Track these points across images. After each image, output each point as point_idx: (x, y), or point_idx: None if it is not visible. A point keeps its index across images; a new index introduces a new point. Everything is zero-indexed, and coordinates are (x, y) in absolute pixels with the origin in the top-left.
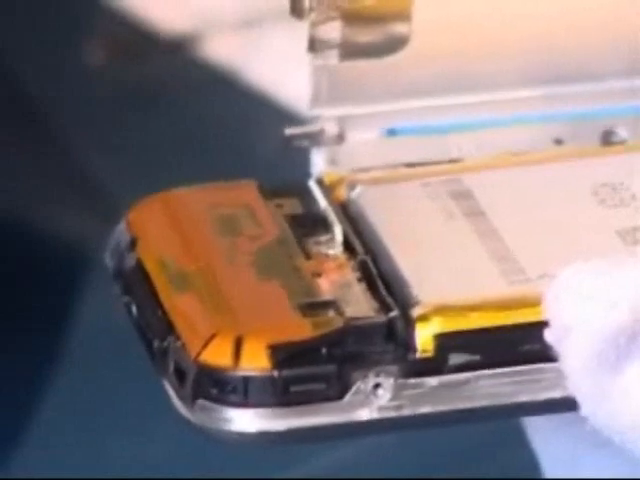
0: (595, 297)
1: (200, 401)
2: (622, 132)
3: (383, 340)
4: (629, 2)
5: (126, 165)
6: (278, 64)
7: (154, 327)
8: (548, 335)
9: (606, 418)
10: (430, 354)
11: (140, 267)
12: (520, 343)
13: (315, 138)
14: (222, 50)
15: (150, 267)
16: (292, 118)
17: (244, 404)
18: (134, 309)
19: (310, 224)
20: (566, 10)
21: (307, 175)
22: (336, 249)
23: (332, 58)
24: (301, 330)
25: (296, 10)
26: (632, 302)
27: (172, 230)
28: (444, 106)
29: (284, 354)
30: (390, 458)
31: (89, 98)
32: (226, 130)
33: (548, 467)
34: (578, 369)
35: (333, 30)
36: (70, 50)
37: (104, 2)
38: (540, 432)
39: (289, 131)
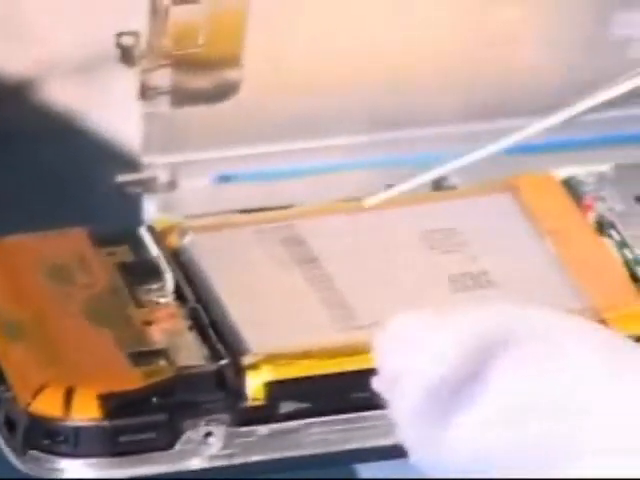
0: (421, 348)
1: (32, 451)
2: (453, 177)
3: (214, 388)
4: (460, 51)
5: None
6: (116, 110)
7: None
8: (377, 384)
9: (434, 465)
10: (261, 402)
11: None
12: (351, 390)
13: (147, 185)
14: (62, 96)
15: None
16: (129, 165)
17: (75, 454)
18: None
19: (141, 272)
20: (396, 58)
21: (140, 222)
22: (167, 297)
23: (163, 105)
24: (132, 379)
25: (126, 58)
26: (457, 353)
27: (4, 279)
28: (276, 152)
29: (114, 404)
30: None
31: None
32: (62, 177)
33: None
34: (406, 418)
35: (163, 77)
36: None
37: None
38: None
39: (121, 178)
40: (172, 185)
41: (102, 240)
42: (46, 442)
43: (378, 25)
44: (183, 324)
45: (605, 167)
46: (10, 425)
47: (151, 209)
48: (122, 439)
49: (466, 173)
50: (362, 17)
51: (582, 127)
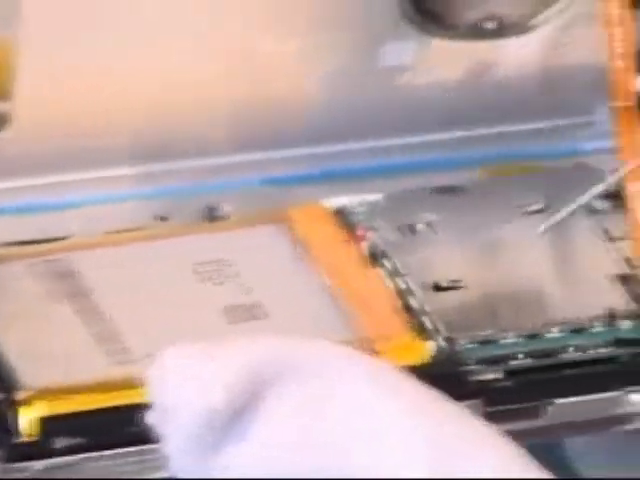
0: (192, 380)
1: None
2: (226, 207)
3: None
4: (226, 83)
5: None
6: None
7: None
8: (151, 417)
9: None
10: (35, 438)
11: None
12: (125, 424)
13: None
14: None
15: None
16: None
17: None
18: None
19: None
20: (162, 92)
21: None
22: None
23: None
24: None
25: None
26: (227, 385)
27: None
28: (48, 184)
29: None
30: None
31: None
32: None
33: None
34: (179, 450)
35: None
36: None
37: None
38: None
39: None
40: None
41: None
42: None
43: (143, 59)
44: None
45: (376, 196)
46: None
47: None
48: None
49: (238, 202)
50: (129, 53)
51: (352, 156)
